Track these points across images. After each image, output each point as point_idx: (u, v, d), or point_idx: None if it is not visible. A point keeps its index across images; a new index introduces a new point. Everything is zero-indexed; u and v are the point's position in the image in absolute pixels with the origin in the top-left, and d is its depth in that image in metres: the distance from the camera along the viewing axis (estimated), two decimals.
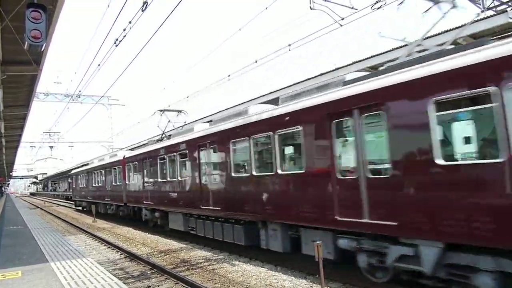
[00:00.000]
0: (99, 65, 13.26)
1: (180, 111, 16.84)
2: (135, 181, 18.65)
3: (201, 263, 10.68)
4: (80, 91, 20.80)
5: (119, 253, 13.04)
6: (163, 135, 16.96)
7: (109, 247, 14.37)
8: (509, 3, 11.98)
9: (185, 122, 17.12)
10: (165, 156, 14.87)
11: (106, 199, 24.54)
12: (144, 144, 23.62)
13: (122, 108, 45.78)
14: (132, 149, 26.87)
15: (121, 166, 20.98)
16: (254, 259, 10.59)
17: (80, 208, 34.04)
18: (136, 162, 18.25)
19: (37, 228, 15.82)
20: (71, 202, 52.80)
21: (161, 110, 16.85)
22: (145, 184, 17.07)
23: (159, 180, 15.59)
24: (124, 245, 14.54)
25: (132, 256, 11.99)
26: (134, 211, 19.59)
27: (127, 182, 19.77)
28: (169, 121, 17.10)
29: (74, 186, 36.73)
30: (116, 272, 10.23)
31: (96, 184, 26.95)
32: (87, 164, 33.58)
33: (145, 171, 17.11)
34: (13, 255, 9.53)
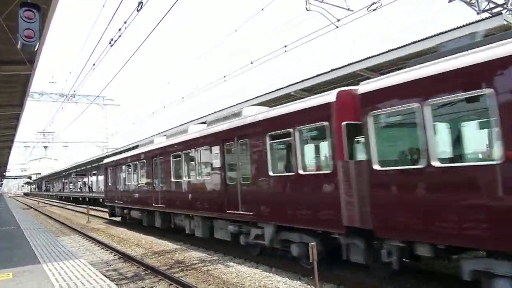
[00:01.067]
0: (94, 64, 13.20)
1: None
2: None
3: (195, 264, 10.63)
4: (75, 90, 20.73)
5: (113, 254, 12.95)
6: None
7: (103, 248, 14.28)
8: (504, 6, 12.08)
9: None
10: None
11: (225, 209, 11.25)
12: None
13: (117, 108, 45.56)
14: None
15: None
16: (249, 261, 10.56)
17: (120, 218, 21.73)
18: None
19: (30, 228, 15.69)
20: (65, 203, 52.48)
21: None
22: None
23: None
24: (118, 246, 14.46)
25: (126, 257, 11.92)
26: (334, 245, 7.97)
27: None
28: None
29: (110, 184, 22.72)
30: (110, 273, 10.16)
31: (173, 179, 14.62)
32: (137, 147, 20.72)
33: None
34: (4, 256, 9.42)
